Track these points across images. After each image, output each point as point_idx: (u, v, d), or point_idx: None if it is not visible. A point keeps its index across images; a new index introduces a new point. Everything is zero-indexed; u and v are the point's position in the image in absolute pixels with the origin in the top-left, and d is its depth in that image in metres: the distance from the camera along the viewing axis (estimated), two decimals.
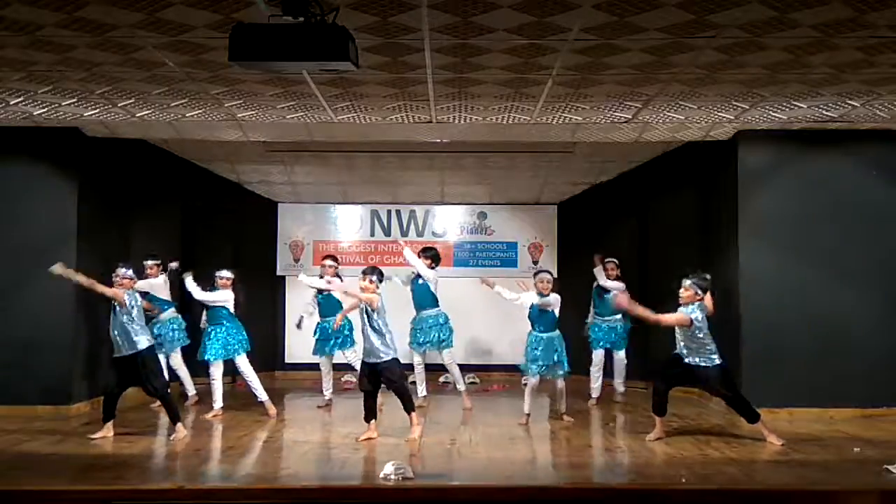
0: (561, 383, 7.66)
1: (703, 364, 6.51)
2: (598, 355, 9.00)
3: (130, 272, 6.89)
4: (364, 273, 6.74)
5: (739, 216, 8.06)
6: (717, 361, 6.52)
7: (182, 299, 9.06)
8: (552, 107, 6.90)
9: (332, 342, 8.44)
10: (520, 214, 11.47)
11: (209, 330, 8.04)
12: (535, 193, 11.05)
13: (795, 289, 7.92)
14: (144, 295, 7.87)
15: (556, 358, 7.49)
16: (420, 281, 8.38)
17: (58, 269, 6.56)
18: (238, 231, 10.87)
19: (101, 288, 6.68)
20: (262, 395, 8.01)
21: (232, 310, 8.10)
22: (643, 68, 5.80)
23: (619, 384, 9.17)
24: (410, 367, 8.34)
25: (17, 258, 7.87)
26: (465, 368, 10.06)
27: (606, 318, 9.00)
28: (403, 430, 6.71)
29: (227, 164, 9.85)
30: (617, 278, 8.92)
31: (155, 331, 8.11)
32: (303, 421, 7.96)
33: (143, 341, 6.72)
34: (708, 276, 6.68)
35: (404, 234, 11.45)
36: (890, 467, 5.40)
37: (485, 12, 4.72)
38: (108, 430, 6.69)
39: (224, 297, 8.06)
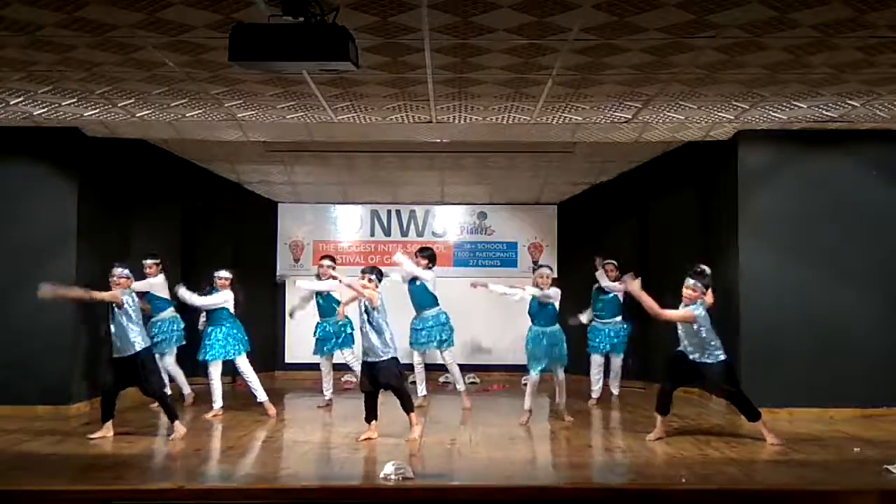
0: (561, 376, 7.68)
1: (708, 361, 6.51)
2: (597, 359, 8.99)
3: (127, 271, 6.88)
4: (363, 272, 6.74)
5: (739, 216, 8.06)
6: (722, 358, 6.53)
7: (182, 306, 9.08)
8: (552, 107, 6.91)
9: (332, 342, 8.44)
10: (520, 214, 11.47)
11: (209, 330, 8.03)
12: (535, 193, 11.06)
13: (795, 289, 7.92)
14: (143, 295, 7.87)
15: (556, 352, 7.50)
16: (417, 282, 8.37)
17: (47, 290, 6.50)
18: (238, 231, 10.86)
19: (98, 295, 6.67)
20: (262, 395, 8.02)
21: (232, 310, 8.10)
22: (643, 68, 5.80)
23: (615, 386, 9.18)
24: (410, 367, 8.34)
25: (17, 258, 7.87)
26: (465, 368, 10.06)
27: (606, 320, 8.98)
28: (403, 430, 6.71)
29: (227, 164, 9.85)
30: (616, 279, 8.91)
31: (153, 330, 8.12)
32: (303, 421, 7.96)
33: (140, 342, 6.72)
34: (708, 271, 6.68)
35: (404, 234, 11.47)
36: (890, 467, 5.40)
37: (485, 12, 4.72)
38: (107, 430, 6.69)
39: (224, 298, 8.05)
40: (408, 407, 6.66)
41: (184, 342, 8.62)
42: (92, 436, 6.61)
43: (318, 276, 8.61)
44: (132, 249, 8.91)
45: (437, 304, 8.44)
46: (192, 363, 8.54)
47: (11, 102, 6.86)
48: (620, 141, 8.23)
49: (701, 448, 6.33)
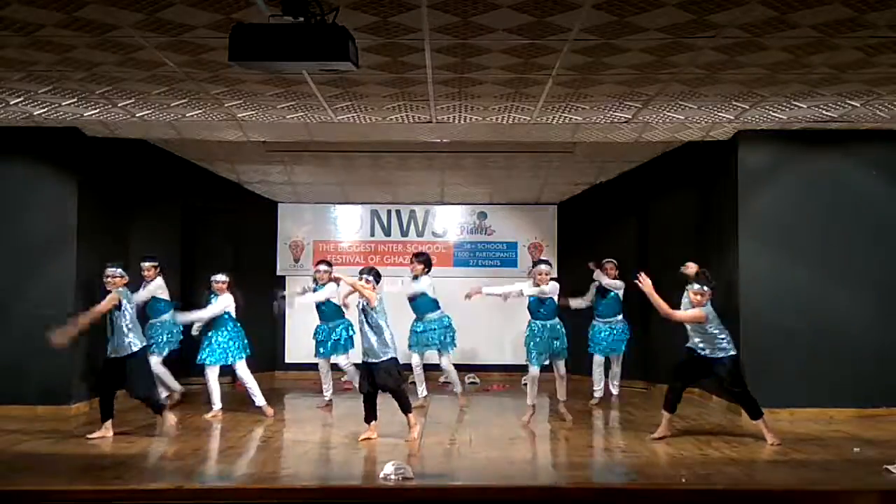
0: (562, 370, 7.67)
1: (717, 356, 6.60)
2: (598, 358, 8.98)
3: (120, 270, 6.87)
4: (361, 273, 6.72)
5: (739, 216, 8.05)
6: (732, 352, 6.62)
7: (183, 299, 9.08)
8: (552, 107, 6.90)
9: (330, 344, 8.42)
10: (520, 214, 11.46)
11: (210, 334, 7.99)
12: (535, 193, 11.05)
13: (795, 288, 7.92)
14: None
15: (557, 345, 7.50)
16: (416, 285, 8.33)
17: (58, 338, 6.56)
18: (238, 231, 10.86)
19: (99, 308, 6.66)
20: (260, 400, 8.00)
21: (234, 313, 8.08)
22: (643, 68, 5.80)
23: (614, 386, 9.18)
24: (410, 367, 8.34)
25: (17, 258, 7.88)
26: (465, 368, 10.08)
27: (608, 319, 8.98)
28: (403, 430, 6.70)
29: (227, 164, 9.85)
30: (616, 278, 8.94)
31: (149, 332, 8.07)
32: (303, 421, 7.97)
33: (137, 343, 6.75)
34: (707, 273, 6.76)
35: (404, 234, 11.46)
36: (890, 467, 5.40)
37: (485, 12, 4.72)
38: (107, 430, 6.69)
39: (225, 304, 7.98)
40: (405, 408, 6.65)
41: (178, 347, 8.55)
42: (91, 436, 6.61)
43: (315, 281, 8.60)
44: (132, 249, 8.92)
45: (439, 308, 8.43)
46: (191, 364, 8.52)
47: (11, 102, 6.86)
48: (620, 141, 8.23)
49: (701, 448, 6.33)
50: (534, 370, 7.53)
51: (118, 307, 6.65)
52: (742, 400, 6.66)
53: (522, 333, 7.83)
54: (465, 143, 8.49)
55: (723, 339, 6.59)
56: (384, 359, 6.54)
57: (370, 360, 6.59)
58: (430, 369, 8.88)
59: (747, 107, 6.94)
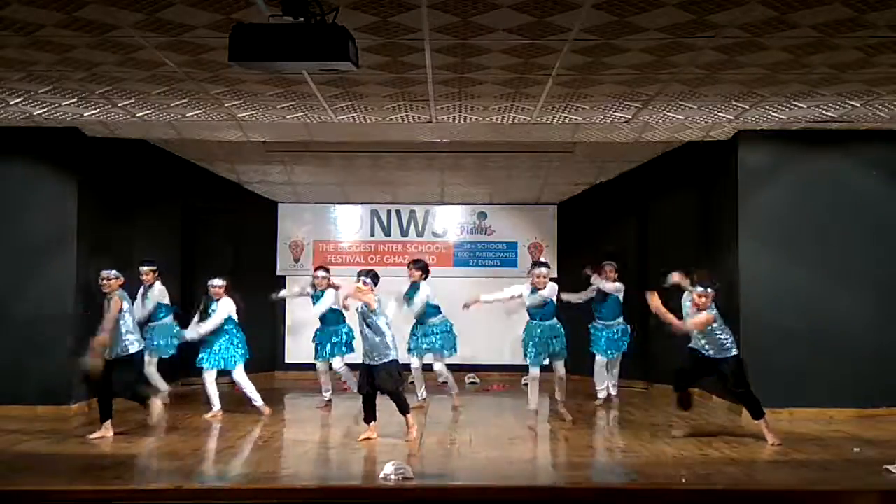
0: (561, 372, 7.63)
1: (721, 356, 6.61)
2: (600, 360, 8.95)
3: (115, 272, 6.82)
4: (359, 275, 6.67)
5: (739, 216, 8.06)
6: (734, 352, 6.63)
7: (183, 300, 9.07)
8: (552, 107, 6.90)
9: (329, 347, 8.41)
10: (520, 214, 11.46)
11: (210, 338, 7.96)
12: (535, 193, 11.05)
13: (795, 288, 7.92)
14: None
15: (556, 345, 7.49)
16: (416, 297, 8.29)
17: (93, 363, 6.59)
18: (238, 231, 10.86)
19: (112, 315, 6.65)
20: (258, 400, 7.99)
21: (236, 317, 8.04)
22: (643, 68, 5.80)
23: (613, 387, 9.16)
24: (409, 368, 8.32)
25: (17, 258, 7.87)
26: (465, 368, 10.08)
27: (608, 322, 8.94)
28: (402, 430, 6.69)
29: (227, 164, 9.85)
30: (616, 280, 8.88)
31: (147, 334, 8.06)
32: (303, 421, 7.97)
33: (135, 344, 6.77)
34: (710, 274, 6.78)
35: (404, 234, 11.46)
36: (890, 467, 5.40)
37: (485, 12, 4.72)
38: (107, 430, 6.68)
39: (227, 309, 7.93)
40: (403, 409, 6.64)
41: (174, 352, 8.54)
42: (91, 436, 6.61)
43: (314, 287, 8.58)
44: (132, 249, 8.90)
45: (440, 312, 8.42)
46: (191, 365, 8.51)
47: (11, 102, 6.86)
48: (620, 141, 8.23)
49: (701, 448, 6.33)
50: (534, 371, 7.52)
51: (120, 311, 6.66)
52: (745, 400, 6.67)
53: (522, 333, 7.82)
54: (465, 143, 8.49)
55: (727, 339, 6.61)
56: (385, 361, 6.52)
57: (370, 362, 6.56)
58: (430, 370, 8.87)
59: (747, 107, 6.94)
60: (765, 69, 5.82)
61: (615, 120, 7.37)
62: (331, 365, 8.52)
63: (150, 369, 8.32)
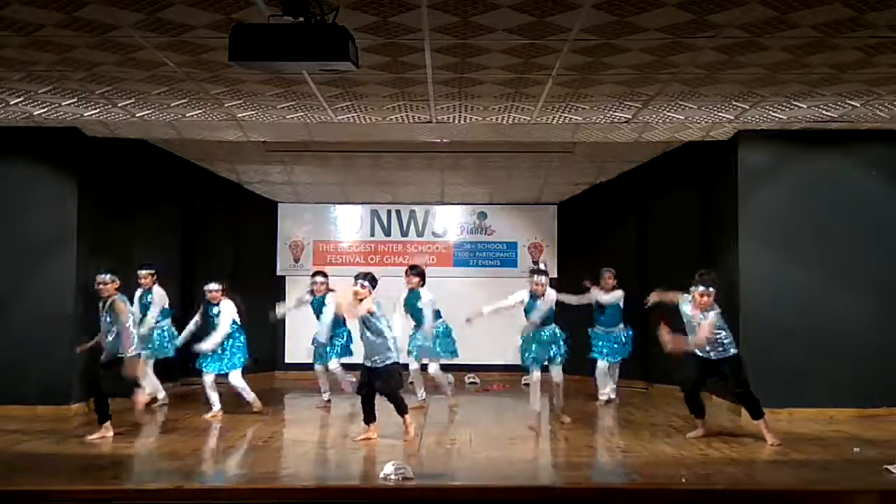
0: (558, 378, 7.57)
1: (722, 357, 6.61)
2: (602, 365, 8.88)
3: (110, 276, 6.72)
4: (356, 278, 6.58)
5: (739, 216, 8.06)
6: (733, 351, 6.64)
7: (182, 300, 9.07)
8: (552, 107, 6.90)
9: (328, 349, 8.40)
10: (520, 214, 11.46)
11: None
12: (535, 193, 11.05)
13: (795, 288, 7.92)
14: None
15: (554, 350, 7.47)
16: (418, 304, 8.25)
17: (132, 371, 6.60)
18: (238, 231, 10.86)
19: (126, 320, 6.62)
20: (250, 395, 8.00)
21: (238, 319, 8.01)
22: (643, 68, 5.80)
23: (612, 391, 9.14)
24: (408, 368, 8.31)
25: (17, 258, 7.87)
26: (465, 368, 10.07)
27: (609, 328, 8.87)
28: (401, 430, 6.69)
29: (227, 164, 9.85)
30: (614, 287, 8.79)
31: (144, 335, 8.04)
32: (302, 421, 7.97)
33: (135, 347, 6.74)
34: (711, 273, 6.75)
35: (404, 234, 11.46)
36: (890, 467, 5.40)
37: (485, 12, 4.72)
38: (107, 430, 6.67)
39: (230, 317, 7.89)
40: (401, 410, 6.62)
41: (171, 354, 8.53)
42: (90, 437, 6.60)
43: (312, 293, 8.57)
44: (132, 249, 8.90)
45: (440, 317, 8.40)
46: (188, 365, 8.50)
47: (11, 102, 6.86)
48: (620, 141, 8.23)
49: (701, 448, 6.33)
50: (534, 374, 7.50)
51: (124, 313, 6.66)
52: (744, 400, 6.67)
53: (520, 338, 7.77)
54: (465, 143, 8.49)
55: (726, 339, 6.62)
56: (385, 363, 6.48)
57: (370, 364, 6.53)
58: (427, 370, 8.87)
59: (747, 107, 6.94)
60: (765, 69, 5.82)
61: (615, 120, 7.37)
62: (327, 366, 8.52)
63: (147, 371, 8.29)
